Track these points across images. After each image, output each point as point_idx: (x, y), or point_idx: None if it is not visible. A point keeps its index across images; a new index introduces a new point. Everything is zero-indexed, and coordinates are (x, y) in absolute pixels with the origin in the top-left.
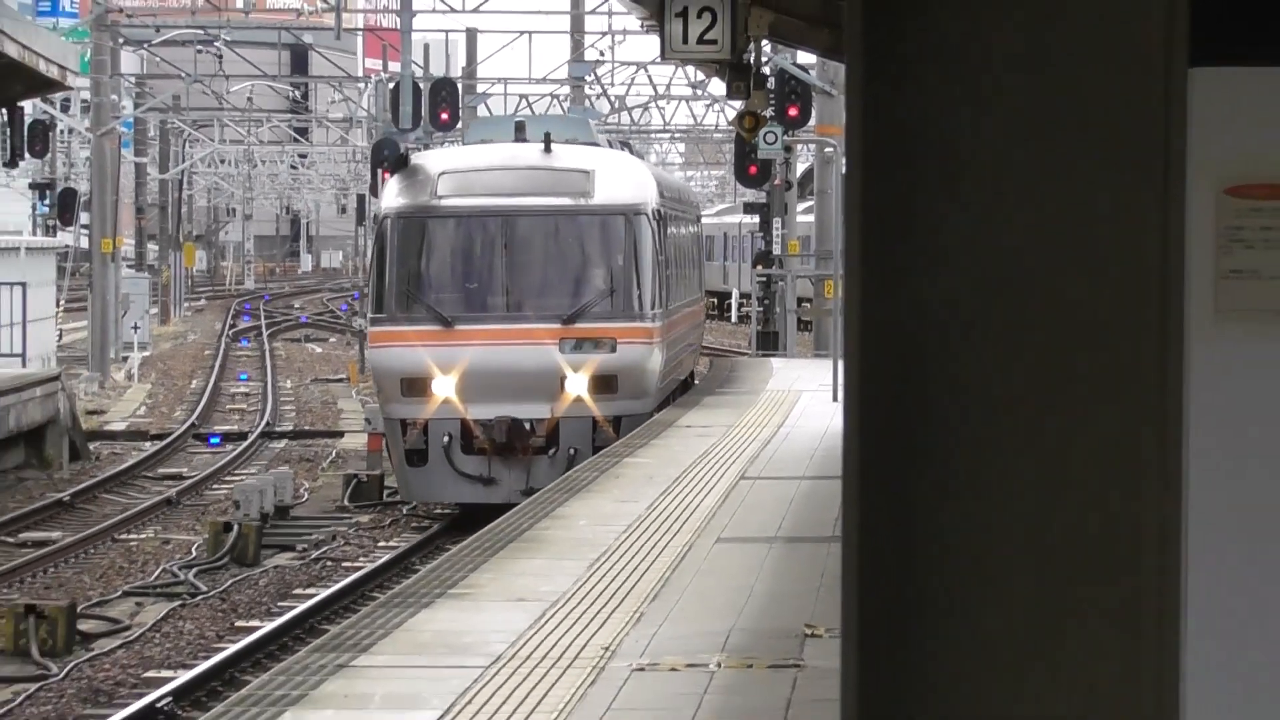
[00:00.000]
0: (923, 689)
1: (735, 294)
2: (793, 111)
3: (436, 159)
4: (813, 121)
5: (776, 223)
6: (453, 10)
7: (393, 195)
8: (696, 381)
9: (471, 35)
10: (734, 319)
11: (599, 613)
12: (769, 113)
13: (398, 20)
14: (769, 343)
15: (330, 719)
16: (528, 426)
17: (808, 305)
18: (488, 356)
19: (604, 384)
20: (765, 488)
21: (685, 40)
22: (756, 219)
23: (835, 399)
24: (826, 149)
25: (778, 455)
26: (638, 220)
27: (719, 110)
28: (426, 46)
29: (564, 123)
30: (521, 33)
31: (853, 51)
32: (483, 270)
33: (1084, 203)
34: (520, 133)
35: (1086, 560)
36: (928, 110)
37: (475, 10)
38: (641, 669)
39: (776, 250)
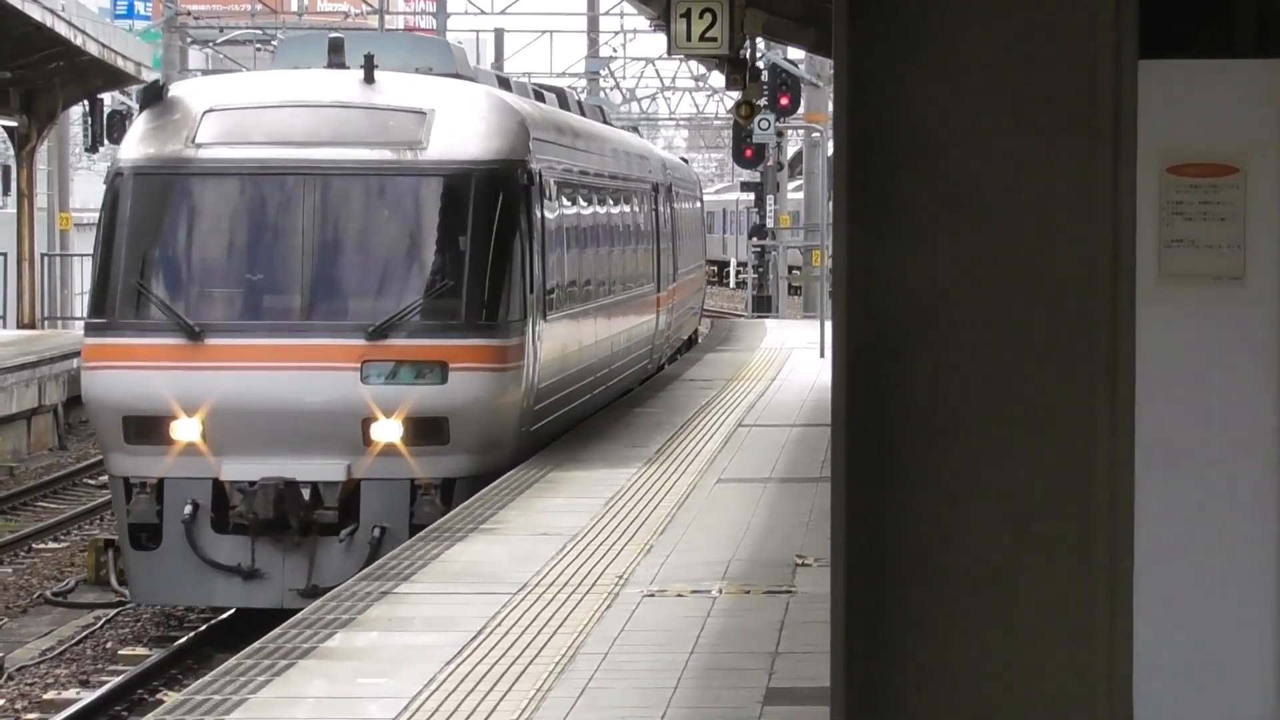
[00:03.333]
0: (903, 608)
1: (733, 262)
2: (784, 101)
3: (204, 90)
4: (801, 110)
5: (770, 199)
6: (483, 12)
7: (134, 142)
8: (699, 340)
9: (499, 34)
10: (732, 284)
11: (613, 545)
12: (763, 102)
13: (434, 20)
14: (763, 305)
15: (375, 639)
16: (309, 494)
17: (797, 272)
18: (253, 386)
19: (429, 430)
20: (761, 434)
21: (689, 38)
22: (752, 196)
23: (822, 356)
24: (814, 134)
25: (771, 405)
26: (493, 183)
27: (719, 100)
28: (459, 44)
29: (410, 44)
30: (544, 32)
31: (838, 49)
32: (253, 257)
33: (1045, 180)
34: (336, 55)
35: (1046, 496)
36: (903, 101)
37: (503, 12)
38: (651, 595)
39: (769, 224)
